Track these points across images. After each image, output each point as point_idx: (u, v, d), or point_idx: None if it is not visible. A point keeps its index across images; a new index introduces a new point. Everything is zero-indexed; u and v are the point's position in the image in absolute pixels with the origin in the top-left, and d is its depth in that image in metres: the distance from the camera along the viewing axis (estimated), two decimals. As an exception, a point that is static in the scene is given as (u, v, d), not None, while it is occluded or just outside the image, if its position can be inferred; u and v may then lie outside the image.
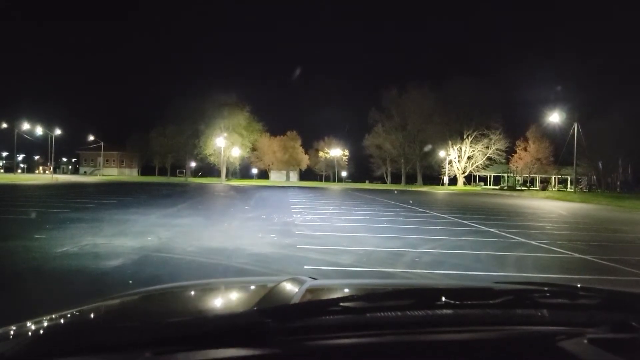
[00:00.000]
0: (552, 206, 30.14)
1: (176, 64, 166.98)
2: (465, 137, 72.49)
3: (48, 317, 1.38)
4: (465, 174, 74.48)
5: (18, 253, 8.15)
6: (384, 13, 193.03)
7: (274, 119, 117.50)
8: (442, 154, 71.74)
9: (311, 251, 9.04)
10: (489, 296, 1.35)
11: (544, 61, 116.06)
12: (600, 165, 59.00)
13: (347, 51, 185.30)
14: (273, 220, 14.79)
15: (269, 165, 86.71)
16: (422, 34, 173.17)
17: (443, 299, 1.31)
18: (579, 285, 1.52)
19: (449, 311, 1.27)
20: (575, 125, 46.71)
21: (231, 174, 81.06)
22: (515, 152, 69.58)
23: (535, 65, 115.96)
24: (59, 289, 5.95)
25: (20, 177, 58.85)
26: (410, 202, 27.56)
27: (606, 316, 1.24)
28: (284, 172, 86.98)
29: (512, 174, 73.99)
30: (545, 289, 1.46)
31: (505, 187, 66.21)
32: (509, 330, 1.16)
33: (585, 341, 1.09)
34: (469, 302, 1.34)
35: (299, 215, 16.57)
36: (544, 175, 71.64)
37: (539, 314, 1.26)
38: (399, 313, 1.19)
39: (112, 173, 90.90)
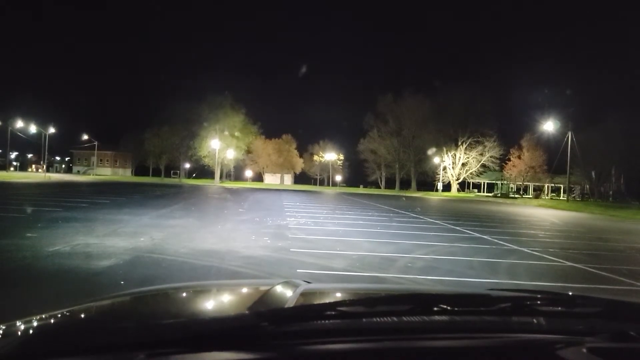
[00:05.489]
0: (544, 214, 30.27)
1: (172, 65, 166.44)
2: (459, 143, 72.73)
3: (40, 317, 1.36)
4: (459, 180, 74.67)
5: (9, 251, 8.06)
6: (381, 18, 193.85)
7: (269, 121, 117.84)
8: (436, 160, 71.95)
9: (304, 255, 9.02)
10: (486, 303, 1.34)
11: (539, 70, 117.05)
12: (593, 174, 59.39)
13: (344, 56, 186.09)
14: (267, 223, 14.74)
15: (263, 168, 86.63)
16: (418, 40, 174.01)
17: (440, 305, 1.29)
18: (577, 294, 1.51)
19: (445, 317, 1.25)
20: (569, 134, 47.00)
21: (225, 176, 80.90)
22: (509, 159, 69.88)
23: (531, 73, 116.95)
24: (49, 288, 5.88)
25: (13, 175, 58.39)
26: (404, 207, 27.59)
27: (605, 325, 1.23)
28: (279, 175, 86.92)
29: (505, 182, 74.28)
30: (543, 296, 1.45)
31: (499, 195, 66.47)
32: (506, 337, 1.14)
33: (584, 350, 1.08)
34: (466, 308, 1.33)
35: (292, 219, 16.53)
36: (537, 184, 71.92)
37: (537, 322, 1.25)
38: (395, 319, 1.18)
39: (105, 173, 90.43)
